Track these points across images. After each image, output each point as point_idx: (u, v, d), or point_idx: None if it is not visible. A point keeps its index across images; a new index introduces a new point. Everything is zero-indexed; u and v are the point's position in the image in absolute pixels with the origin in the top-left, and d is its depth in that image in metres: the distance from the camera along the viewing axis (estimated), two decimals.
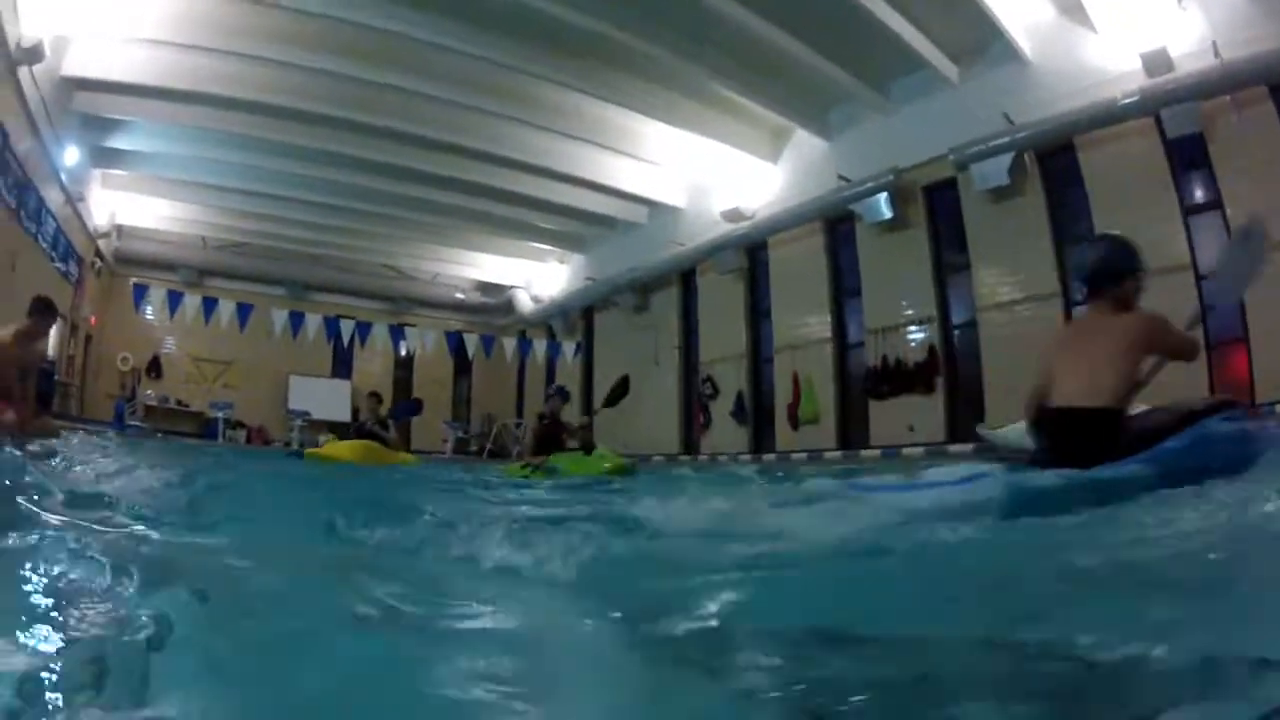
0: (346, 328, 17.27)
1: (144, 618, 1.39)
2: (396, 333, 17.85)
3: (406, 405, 15.09)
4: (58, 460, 5.40)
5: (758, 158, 14.78)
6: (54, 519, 2.56)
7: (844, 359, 13.64)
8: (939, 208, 12.24)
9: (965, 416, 11.07)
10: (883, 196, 12.41)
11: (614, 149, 14.90)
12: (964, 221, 11.70)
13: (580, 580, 2.09)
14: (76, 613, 1.50)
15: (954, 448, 10.53)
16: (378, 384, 18.09)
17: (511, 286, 22.29)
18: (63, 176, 13.89)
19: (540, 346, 18.80)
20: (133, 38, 11.74)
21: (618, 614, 1.75)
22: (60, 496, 3.09)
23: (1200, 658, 1.32)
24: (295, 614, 1.60)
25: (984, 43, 11.00)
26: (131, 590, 1.64)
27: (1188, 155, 9.35)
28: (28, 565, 1.79)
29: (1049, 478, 3.19)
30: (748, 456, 14.20)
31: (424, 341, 17.97)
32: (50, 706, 1.12)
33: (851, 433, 13.11)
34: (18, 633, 1.36)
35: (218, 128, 14.22)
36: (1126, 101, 9.47)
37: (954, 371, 11.85)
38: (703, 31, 11.13)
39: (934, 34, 11.03)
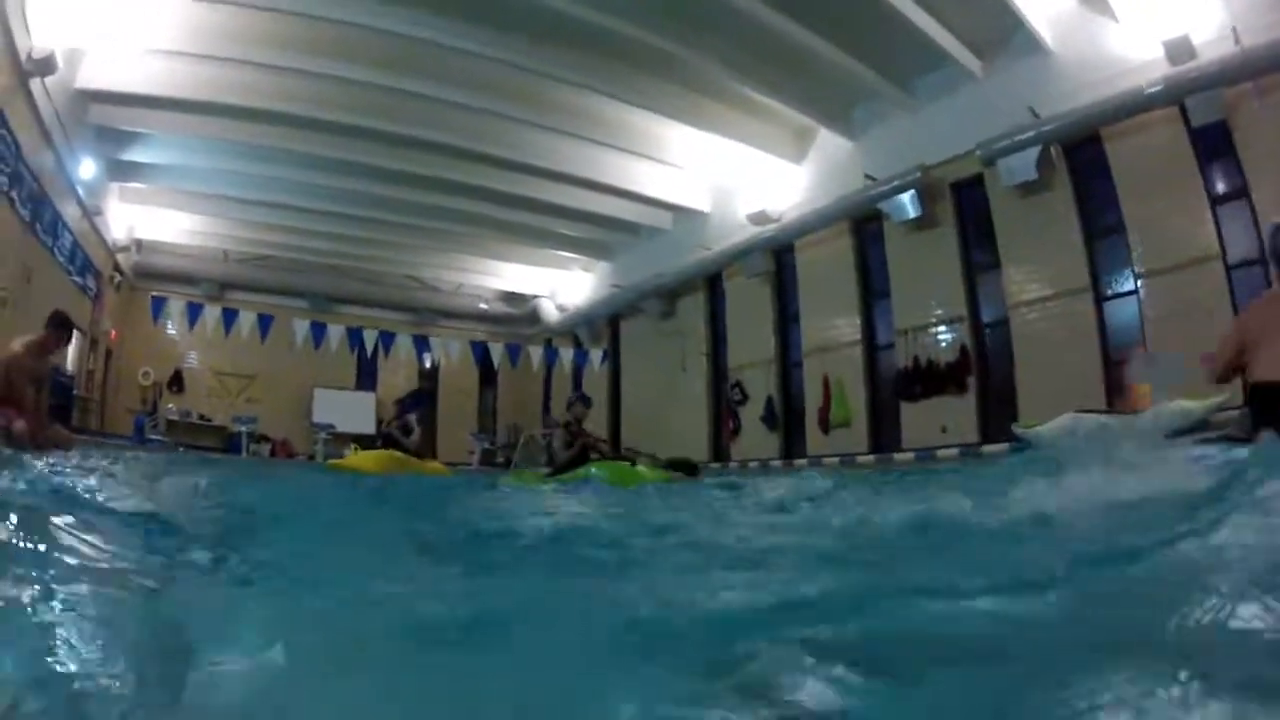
0: (370, 338, 17.57)
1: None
2: (421, 343, 18.13)
3: (414, 397, 15.15)
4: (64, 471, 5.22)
5: (782, 159, 15.00)
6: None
7: (874, 361, 13.78)
8: (967, 205, 12.38)
9: (998, 416, 11.16)
10: (910, 195, 12.57)
11: (638, 153, 15.21)
12: (992, 218, 11.85)
13: None
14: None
15: (988, 448, 10.61)
16: (402, 396, 18.34)
17: (536, 296, 22.72)
18: (79, 190, 14.24)
19: (567, 355, 19.00)
20: (147, 49, 11.99)
21: None
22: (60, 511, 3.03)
23: None
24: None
25: (1006, 35, 11.19)
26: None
27: (1213, 144, 9.45)
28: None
29: None
30: (778, 462, 14.31)
31: (448, 352, 18.21)
32: None
33: (884, 435, 13.21)
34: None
35: (236, 139, 14.54)
36: (1151, 91, 9.60)
37: (985, 371, 11.96)
38: (725, 30, 11.33)
39: (956, 27, 11.20)
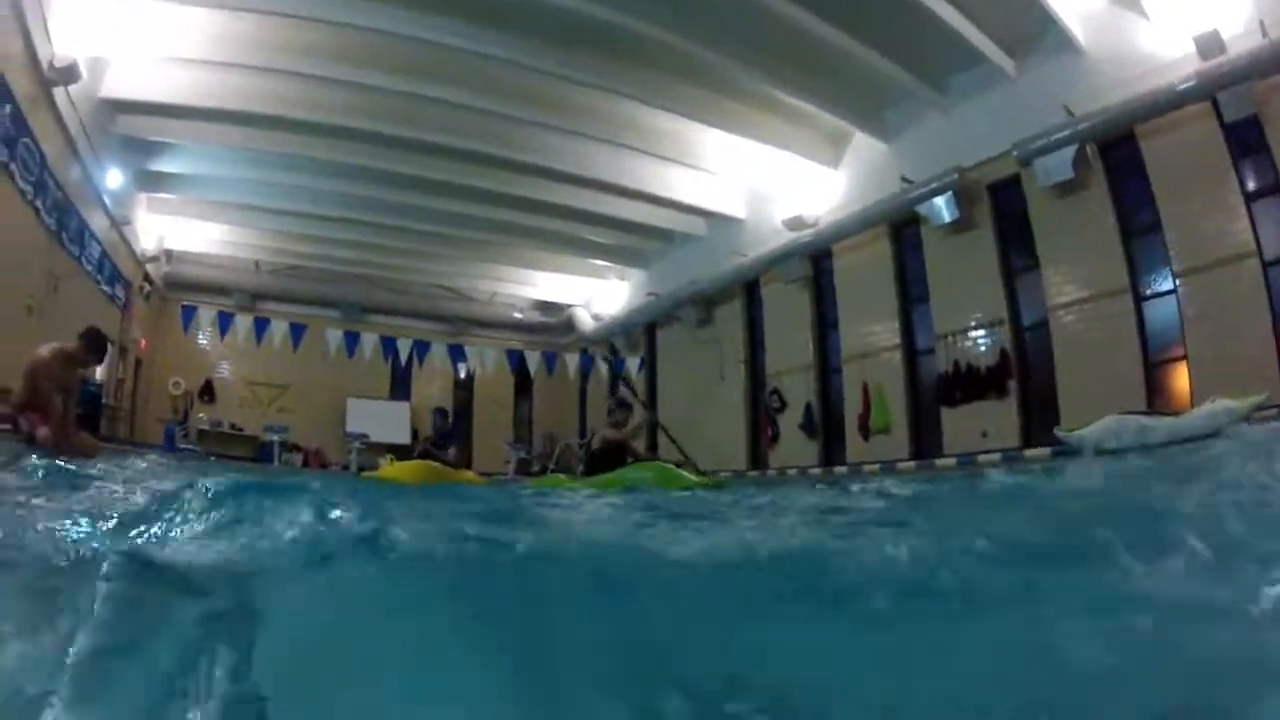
0: (404, 347, 17.90)
1: None
2: (456, 352, 18.45)
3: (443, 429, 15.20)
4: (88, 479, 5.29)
5: (818, 163, 15.24)
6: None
7: (914, 366, 13.94)
8: (1004, 206, 12.54)
9: (1039, 420, 11.29)
10: (947, 197, 12.74)
11: (671, 159, 15.48)
12: (1030, 219, 12.00)
13: None
14: None
15: (1030, 452, 10.70)
16: (437, 405, 18.60)
17: (570, 305, 23.09)
18: (106, 200, 14.60)
19: (604, 364, 19.29)
20: (171, 57, 12.26)
21: None
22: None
23: None
24: None
25: (1038, 33, 11.39)
26: None
27: (1246, 139, 9.56)
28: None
29: None
30: (818, 470, 14.46)
31: (484, 361, 18.55)
32: None
33: (924, 441, 13.34)
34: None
35: (265, 148, 14.89)
36: (1183, 87, 9.74)
37: (1026, 374, 12.07)
38: (757, 33, 11.57)
39: (988, 26, 11.40)
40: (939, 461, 12.22)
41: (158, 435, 17.52)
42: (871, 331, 14.52)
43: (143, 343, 18.82)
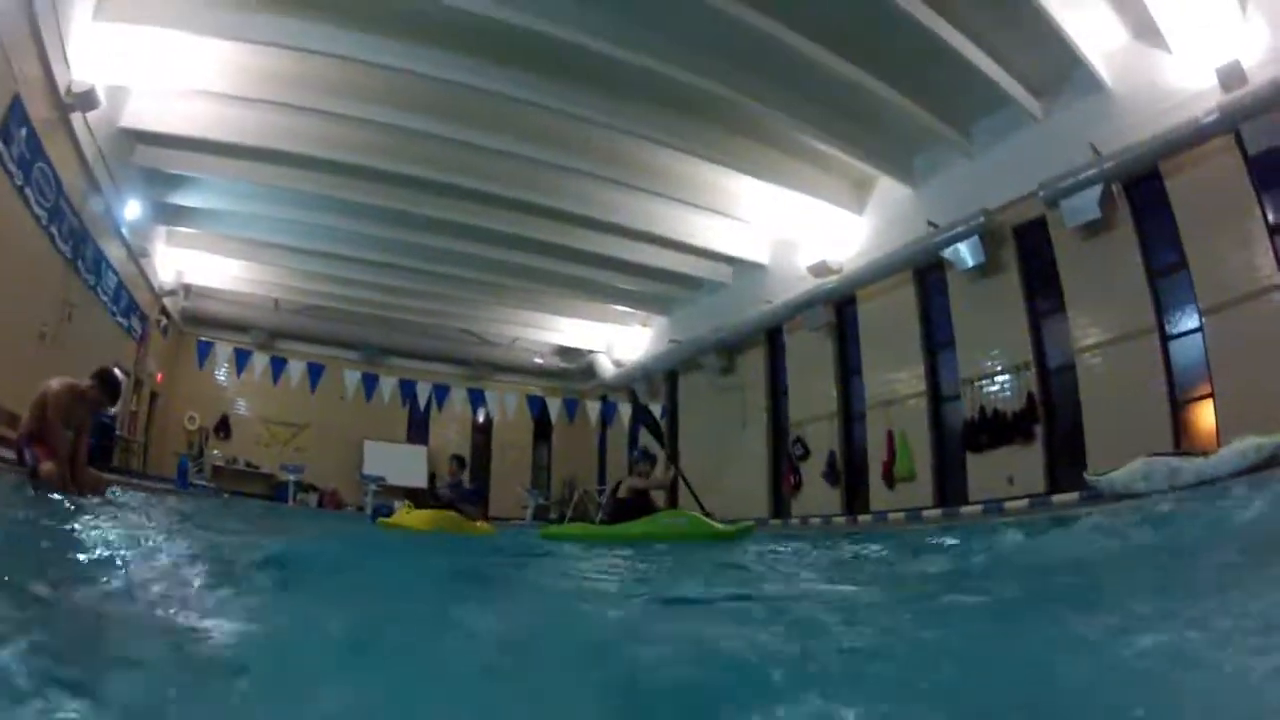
0: (423, 391, 18.09)
1: None
2: (476, 396, 18.62)
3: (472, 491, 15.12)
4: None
5: (843, 209, 15.50)
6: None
7: (939, 412, 14.00)
8: (1030, 249, 12.70)
9: (1066, 465, 11.33)
10: (972, 241, 12.91)
11: (696, 205, 15.71)
12: (1056, 261, 12.13)
13: None
14: None
15: (1058, 498, 10.69)
16: (455, 450, 18.63)
17: (592, 351, 23.29)
18: (124, 231, 14.76)
19: (625, 410, 19.40)
20: (194, 90, 12.35)
21: None
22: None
23: None
24: None
25: (1063, 74, 11.65)
26: None
27: (1269, 171, 9.69)
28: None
29: None
30: (841, 519, 14.47)
31: (505, 406, 18.71)
32: None
33: (949, 488, 13.34)
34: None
35: (287, 186, 15.03)
36: (1207, 120, 9.91)
37: (1052, 419, 12.12)
38: (784, 78, 11.89)
39: (1013, 68, 11.70)
40: (964, 509, 12.20)
41: (171, 469, 17.58)
42: (896, 378, 14.61)
43: (159, 376, 19.09)
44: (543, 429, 23.50)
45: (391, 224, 16.64)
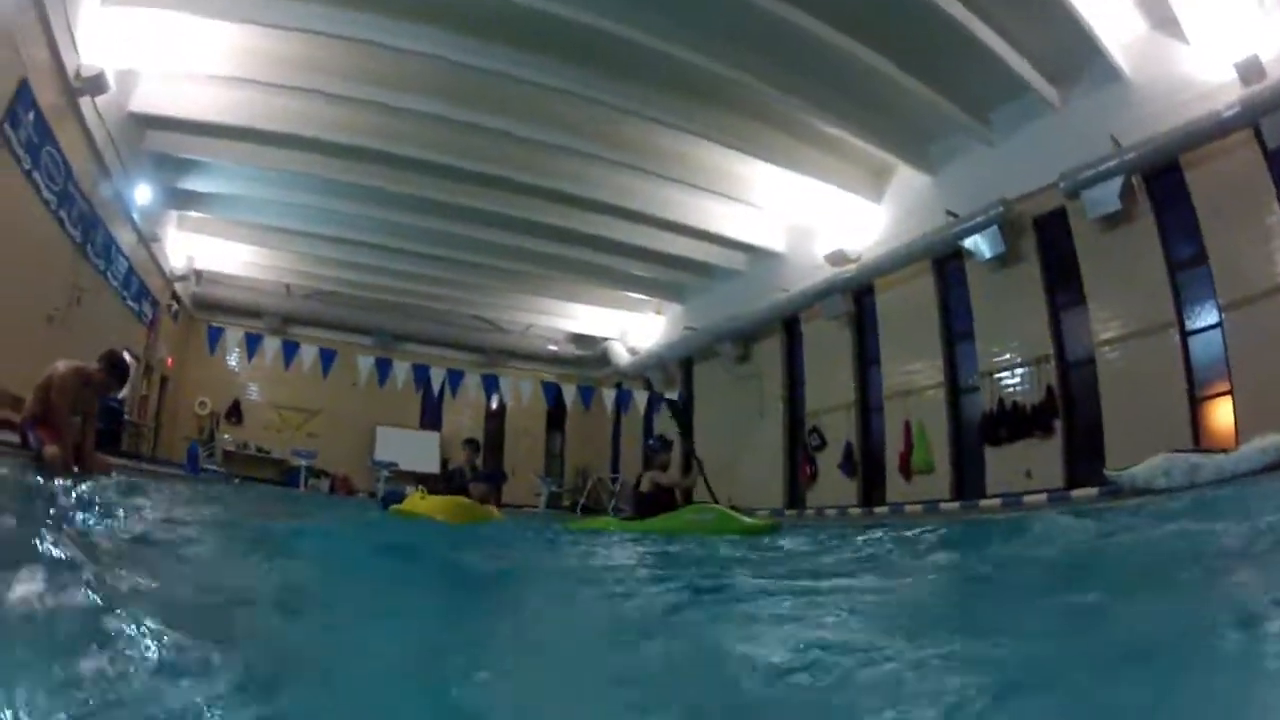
0: (436, 376, 18.17)
1: None
2: (490, 382, 18.70)
3: (495, 474, 15.21)
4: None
5: (861, 197, 15.50)
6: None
7: (957, 404, 14.03)
8: (1050, 240, 12.69)
9: (1085, 459, 11.35)
10: (992, 231, 12.91)
11: (713, 191, 15.72)
12: (1076, 253, 12.13)
13: None
14: None
15: (1077, 492, 10.71)
16: (469, 436, 18.65)
17: (606, 338, 23.45)
18: (134, 216, 14.87)
19: (641, 398, 19.45)
20: (204, 73, 12.39)
21: None
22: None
23: None
24: None
25: (1082, 63, 11.64)
26: None
27: None
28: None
29: None
30: (858, 510, 14.52)
31: (519, 392, 18.78)
32: None
33: (967, 481, 13.37)
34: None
35: (299, 170, 15.11)
36: (1228, 114, 9.90)
37: (1071, 412, 12.12)
38: (802, 62, 11.85)
39: (1032, 55, 11.69)
40: (983, 502, 12.22)
41: (181, 454, 17.72)
42: (914, 369, 14.64)
43: (169, 361, 19.31)
44: (556, 417, 23.65)
45: (404, 209, 16.70)
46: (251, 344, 17.31)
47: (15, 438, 7.09)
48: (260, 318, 21.00)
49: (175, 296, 19.10)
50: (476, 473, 12.25)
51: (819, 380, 16.99)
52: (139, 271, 15.71)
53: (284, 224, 17.91)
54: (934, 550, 6.29)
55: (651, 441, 11.56)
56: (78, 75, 10.83)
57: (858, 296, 16.04)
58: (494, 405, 22.80)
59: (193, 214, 17.87)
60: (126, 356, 7.66)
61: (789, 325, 17.99)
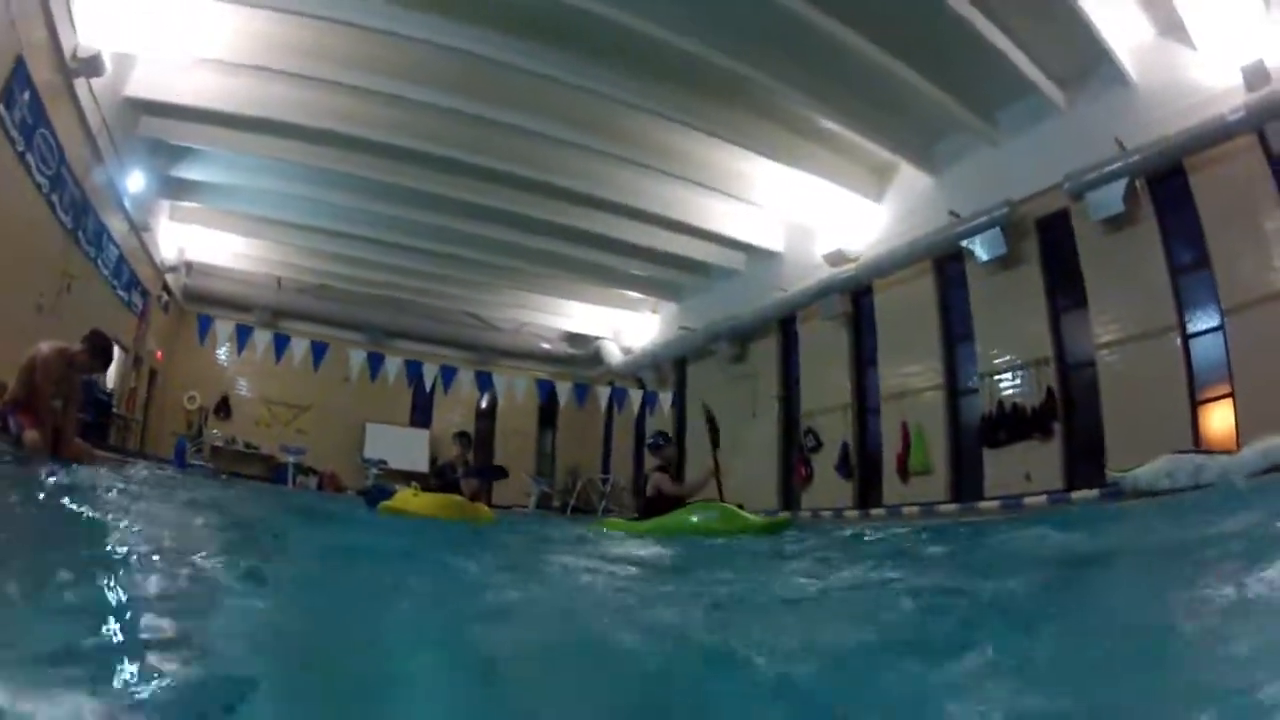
0: (429, 372, 18.09)
1: None
2: (484, 380, 18.63)
3: (491, 470, 14.93)
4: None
5: (861, 196, 15.55)
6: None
7: (956, 406, 14.08)
8: (1052, 242, 12.77)
9: (1084, 461, 11.42)
10: (995, 232, 12.98)
11: (711, 188, 15.75)
12: (1078, 255, 12.21)
13: None
14: None
15: (1078, 494, 10.75)
16: (459, 430, 18.47)
17: (599, 337, 23.42)
18: (126, 203, 14.71)
19: (635, 397, 19.43)
20: (202, 59, 12.28)
21: None
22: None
23: None
24: None
25: (1088, 66, 11.75)
26: None
27: None
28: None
29: None
30: (854, 512, 14.53)
31: (513, 390, 18.73)
32: None
33: (965, 484, 13.41)
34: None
35: (295, 160, 15.03)
36: (1233, 118, 10.03)
37: (1072, 415, 12.19)
38: (805, 57, 11.91)
39: (1038, 57, 11.78)
40: (981, 505, 12.25)
41: (169, 449, 17.61)
42: (912, 370, 14.69)
43: (158, 354, 19.16)
44: (547, 415, 23.61)
45: (400, 203, 16.65)
46: (242, 337, 17.18)
47: None
48: (251, 311, 20.75)
49: (166, 288, 18.93)
50: (469, 468, 12.07)
51: (815, 381, 17.04)
52: (130, 261, 15.56)
53: (277, 215, 17.77)
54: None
55: (654, 438, 11.55)
56: (74, 56, 10.78)
57: (855, 296, 16.11)
58: (484, 404, 22.75)
59: (185, 204, 17.76)
60: (110, 337, 7.50)
61: (785, 325, 18.02)
